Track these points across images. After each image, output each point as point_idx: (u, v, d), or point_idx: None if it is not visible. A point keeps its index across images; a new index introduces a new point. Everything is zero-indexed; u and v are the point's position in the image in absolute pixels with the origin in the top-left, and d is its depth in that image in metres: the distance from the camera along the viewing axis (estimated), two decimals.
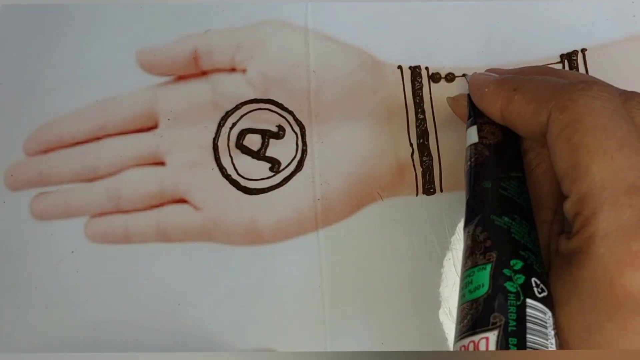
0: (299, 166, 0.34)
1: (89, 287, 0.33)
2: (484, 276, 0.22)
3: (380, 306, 0.32)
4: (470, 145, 0.27)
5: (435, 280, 0.32)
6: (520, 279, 0.21)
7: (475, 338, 0.21)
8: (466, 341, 0.21)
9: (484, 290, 0.22)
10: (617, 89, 0.23)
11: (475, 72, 0.28)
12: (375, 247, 0.33)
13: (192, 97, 0.35)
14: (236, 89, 0.35)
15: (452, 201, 0.33)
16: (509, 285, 0.21)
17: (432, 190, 0.33)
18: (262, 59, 0.35)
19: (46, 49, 0.37)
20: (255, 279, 0.33)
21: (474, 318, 0.21)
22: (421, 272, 0.32)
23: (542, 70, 0.27)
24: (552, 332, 0.21)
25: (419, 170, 0.33)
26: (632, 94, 0.23)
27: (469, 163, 0.27)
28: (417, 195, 0.33)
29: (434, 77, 0.34)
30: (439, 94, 0.34)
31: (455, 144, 0.33)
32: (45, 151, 0.35)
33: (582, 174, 0.20)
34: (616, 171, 0.20)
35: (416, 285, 0.32)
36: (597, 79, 0.25)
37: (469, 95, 0.28)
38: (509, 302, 0.21)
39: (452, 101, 0.30)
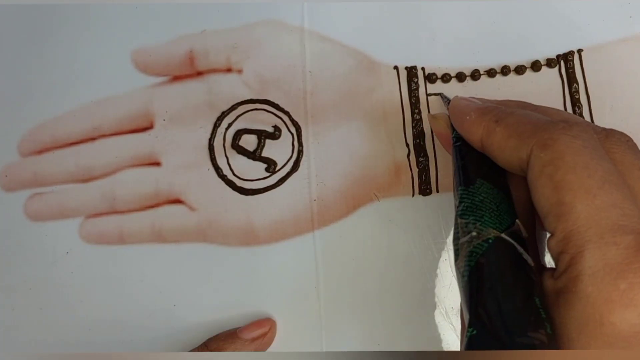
0: (295, 167, 0.34)
1: (84, 288, 0.33)
2: None
3: (376, 307, 0.32)
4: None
5: (431, 280, 0.32)
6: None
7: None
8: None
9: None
10: (596, 127, 0.23)
11: (456, 96, 0.28)
12: (372, 248, 0.33)
13: (188, 97, 0.35)
14: (232, 89, 0.35)
15: (449, 202, 0.33)
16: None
17: (428, 190, 0.33)
18: (258, 59, 0.35)
19: (40, 49, 0.36)
20: (251, 279, 0.33)
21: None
22: (417, 272, 0.32)
23: (524, 105, 0.27)
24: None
25: (415, 170, 0.33)
26: (611, 131, 0.23)
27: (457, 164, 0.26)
28: (413, 195, 0.33)
29: (430, 78, 0.34)
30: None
31: None
32: (40, 152, 0.35)
33: (566, 212, 0.20)
34: (599, 209, 0.20)
35: (412, 286, 0.32)
36: (577, 118, 0.26)
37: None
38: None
39: (432, 119, 0.30)
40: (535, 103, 0.28)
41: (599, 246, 0.19)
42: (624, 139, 0.23)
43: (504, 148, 0.23)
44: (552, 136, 0.22)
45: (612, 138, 0.23)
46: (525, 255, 0.22)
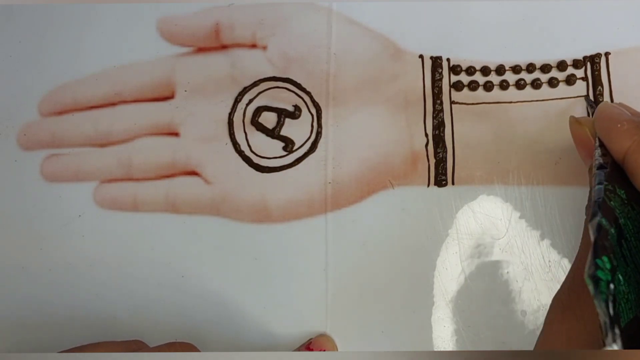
0: (313, 148, 0.34)
1: (94, 252, 0.33)
2: None
3: (382, 294, 0.32)
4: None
5: (440, 271, 0.32)
6: None
7: None
8: None
9: None
10: None
11: (605, 102, 0.27)
12: (383, 235, 0.33)
13: (211, 70, 0.35)
14: (255, 65, 0.35)
15: (463, 194, 0.33)
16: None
17: (444, 182, 0.33)
18: (283, 37, 0.35)
19: (68, 10, 0.36)
20: (261, 257, 0.33)
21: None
22: (427, 262, 0.32)
23: None
24: None
25: (432, 161, 0.33)
26: None
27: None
28: (428, 186, 0.33)
29: (455, 70, 0.34)
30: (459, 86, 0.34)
31: (471, 137, 0.33)
32: (60, 113, 0.35)
33: None
34: None
35: (421, 275, 0.32)
36: None
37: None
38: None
39: (576, 123, 0.28)
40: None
41: None
42: None
43: None
44: None
45: None
46: None
